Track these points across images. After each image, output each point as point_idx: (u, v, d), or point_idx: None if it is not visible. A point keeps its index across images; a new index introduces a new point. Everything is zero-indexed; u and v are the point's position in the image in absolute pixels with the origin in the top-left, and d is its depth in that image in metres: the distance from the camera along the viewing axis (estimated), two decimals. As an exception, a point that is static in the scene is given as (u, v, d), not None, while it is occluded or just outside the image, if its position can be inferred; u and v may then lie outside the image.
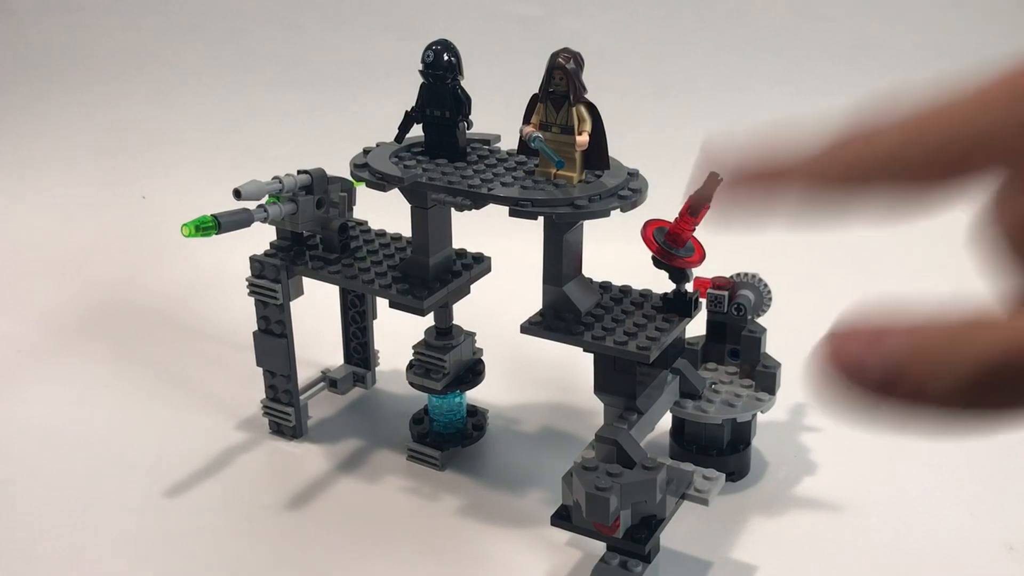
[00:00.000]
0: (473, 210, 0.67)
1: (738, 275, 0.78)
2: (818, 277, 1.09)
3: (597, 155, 0.66)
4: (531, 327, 0.68)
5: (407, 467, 0.79)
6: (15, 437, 0.84)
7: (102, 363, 0.95)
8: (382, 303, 0.89)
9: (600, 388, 0.68)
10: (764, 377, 0.75)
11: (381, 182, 0.69)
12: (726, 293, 0.77)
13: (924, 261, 1.13)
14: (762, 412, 0.75)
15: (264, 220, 0.73)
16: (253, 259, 0.78)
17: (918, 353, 0.22)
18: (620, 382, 0.67)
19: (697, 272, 0.78)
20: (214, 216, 0.69)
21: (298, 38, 1.32)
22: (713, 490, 0.63)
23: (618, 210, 0.65)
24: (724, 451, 0.76)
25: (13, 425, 0.86)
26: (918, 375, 0.22)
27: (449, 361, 0.77)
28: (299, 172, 0.77)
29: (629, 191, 0.66)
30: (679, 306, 0.69)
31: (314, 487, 0.77)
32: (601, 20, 1.20)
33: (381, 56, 1.24)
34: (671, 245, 0.68)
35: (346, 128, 1.29)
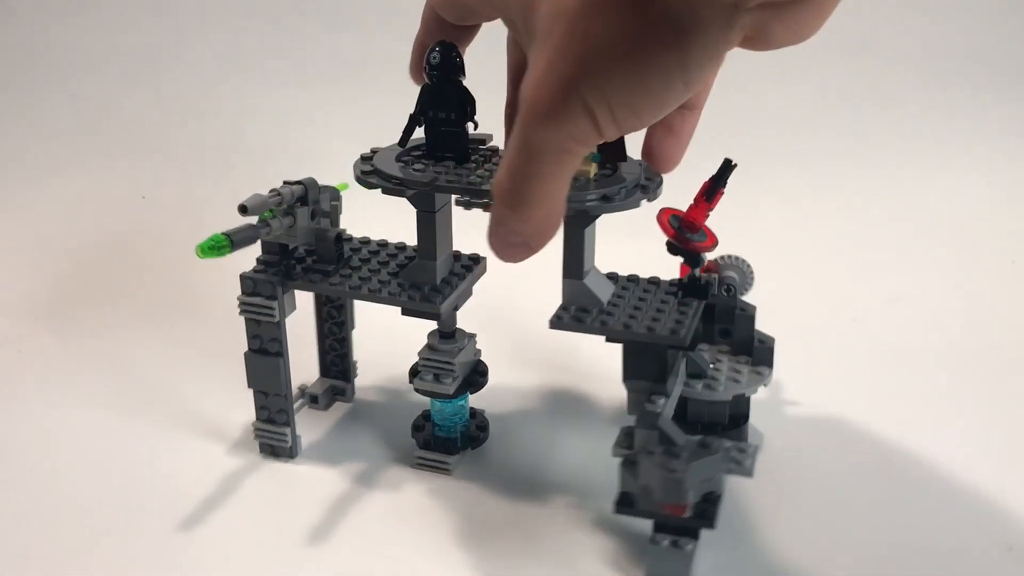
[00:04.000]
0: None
1: (721, 258, 0.82)
2: (815, 274, 1.11)
3: (617, 149, 0.67)
4: (560, 322, 0.69)
5: (416, 475, 0.78)
6: (14, 437, 0.82)
7: (102, 364, 0.94)
8: (358, 312, 0.87)
9: (630, 376, 0.70)
10: (761, 351, 0.78)
11: (400, 187, 0.68)
12: (715, 276, 0.80)
13: (918, 253, 1.15)
14: (764, 385, 0.78)
15: (267, 235, 0.70)
16: (244, 277, 0.75)
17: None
18: (650, 368, 0.69)
19: (681, 260, 0.81)
20: (226, 235, 0.66)
21: (298, 38, 1.32)
22: (752, 461, 0.66)
23: (644, 200, 0.67)
24: (728, 427, 0.79)
25: (13, 425, 0.84)
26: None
27: (457, 364, 0.76)
28: (286, 183, 0.74)
29: (648, 181, 0.68)
30: (696, 290, 0.71)
31: (330, 507, 0.74)
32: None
33: (381, 56, 1.23)
34: (686, 231, 0.70)
35: (345, 128, 1.31)
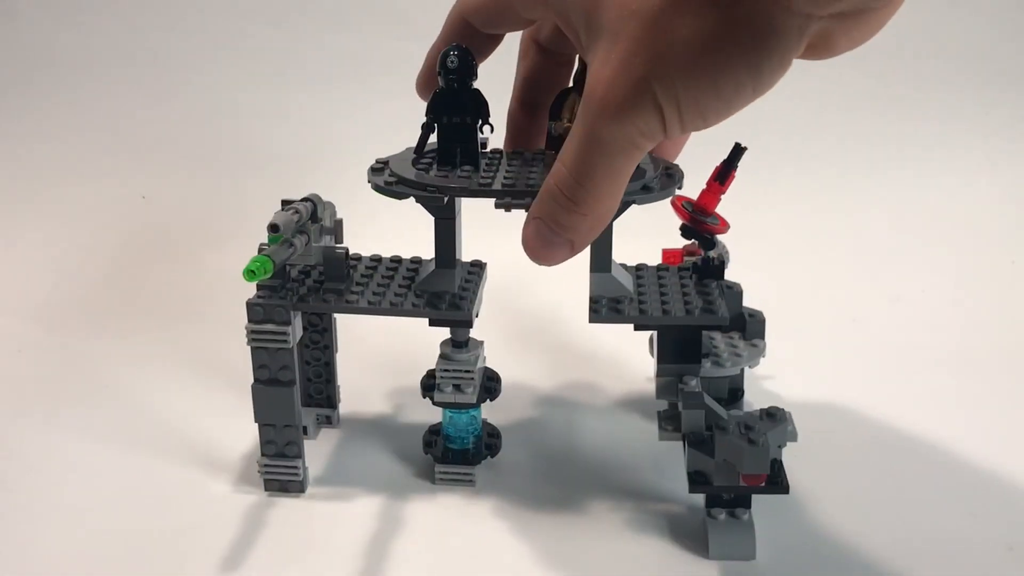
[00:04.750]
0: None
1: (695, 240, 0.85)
2: (815, 274, 1.13)
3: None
4: (598, 315, 0.69)
5: (439, 491, 0.76)
6: (13, 437, 0.82)
7: (101, 363, 0.94)
8: (341, 334, 0.84)
9: (666, 360, 0.71)
10: (754, 324, 0.82)
11: (437, 195, 0.66)
12: (700, 257, 0.84)
13: (918, 253, 1.16)
14: (763, 357, 0.82)
15: (292, 256, 0.66)
16: (252, 304, 0.70)
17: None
18: (687, 351, 0.71)
19: (663, 244, 0.84)
20: (268, 257, 0.62)
21: (299, 38, 1.31)
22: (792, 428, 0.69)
23: (676, 188, 0.68)
24: (728, 401, 0.82)
25: (12, 426, 0.84)
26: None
27: (475, 372, 0.75)
28: (285, 202, 0.71)
29: (671, 170, 0.70)
30: (712, 271, 0.74)
31: (368, 538, 0.71)
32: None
33: (383, 56, 1.21)
34: (699, 214, 0.73)
35: (346, 128, 1.29)
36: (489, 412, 0.82)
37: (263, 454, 0.75)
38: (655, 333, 0.77)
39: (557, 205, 0.53)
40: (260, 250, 0.67)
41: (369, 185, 0.70)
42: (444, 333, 0.75)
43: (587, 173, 0.51)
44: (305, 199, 0.70)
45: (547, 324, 1.03)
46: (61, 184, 1.31)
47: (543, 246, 0.54)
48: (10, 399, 0.88)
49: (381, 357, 0.95)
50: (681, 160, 0.73)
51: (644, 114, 0.47)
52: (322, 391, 0.85)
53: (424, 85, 0.67)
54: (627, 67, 0.47)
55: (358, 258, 0.77)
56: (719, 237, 0.85)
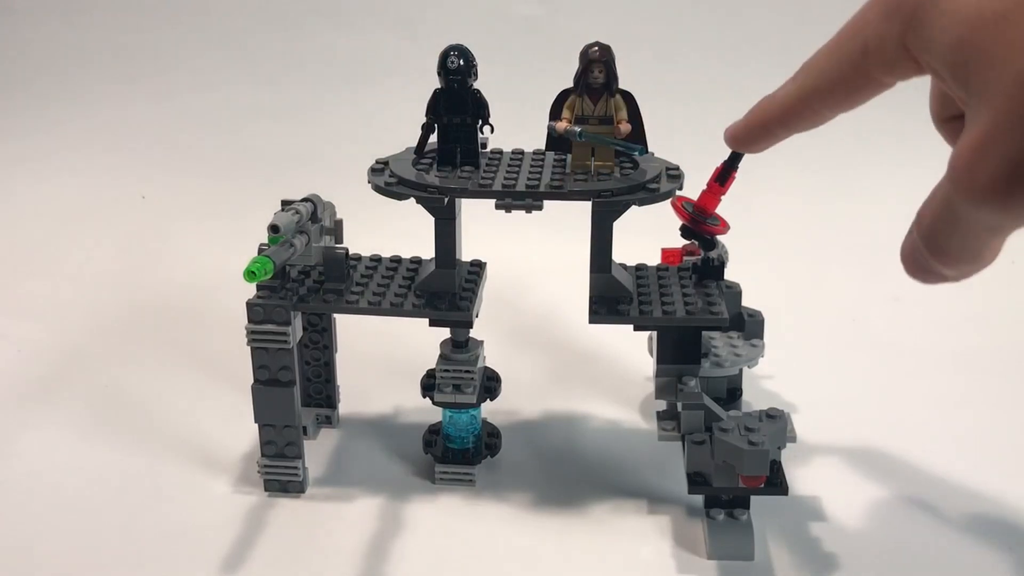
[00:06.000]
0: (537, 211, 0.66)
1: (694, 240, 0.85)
2: (815, 274, 1.13)
3: (637, 138, 0.69)
4: (598, 316, 0.69)
5: (439, 490, 0.76)
6: (13, 437, 0.82)
7: (100, 363, 0.95)
8: (341, 334, 0.84)
9: (666, 360, 0.71)
10: (753, 324, 0.82)
11: (438, 196, 0.66)
12: (699, 257, 0.84)
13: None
14: (762, 357, 0.82)
15: (292, 256, 0.67)
16: (252, 304, 0.70)
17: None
18: (686, 352, 0.71)
19: (663, 244, 0.84)
20: (268, 257, 0.62)
21: (298, 38, 1.31)
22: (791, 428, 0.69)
23: (677, 188, 0.69)
24: (727, 401, 0.83)
25: (12, 425, 0.84)
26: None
27: (475, 372, 0.75)
28: (285, 203, 0.71)
29: (672, 171, 0.70)
30: (711, 271, 0.74)
31: (369, 538, 0.71)
32: (602, 20, 1.21)
33: (382, 56, 1.22)
34: (700, 215, 0.73)
35: (346, 128, 1.30)
36: (489, 412, 0.82)
37: (263, 454, 0.75)
38: (654, 333, 0.77)
39: (920, 244, 0.46)
40: (260, 251, 0.68)
41: (369, 185, 0.70)
42: (444, 333, 0.75)
43: (941, 234, 0.44)
44: (305, 199, 0.70)
45: (547, 324, 1.03)
46: (61, 183, 1.31)
47: (915, 270, 0.47)
48: (10, 399, 0.89)
49: (381, 357, 0.95)
50: (681, 160, 0.73)
51: (1017, 206, 0.37)
52: (322, 391, 0.85)
53: (743, 139, 0.53)
54: (995, 144, 0.36)
55: (358, 258, 0.78)
56: (719, 237, 0.86)
